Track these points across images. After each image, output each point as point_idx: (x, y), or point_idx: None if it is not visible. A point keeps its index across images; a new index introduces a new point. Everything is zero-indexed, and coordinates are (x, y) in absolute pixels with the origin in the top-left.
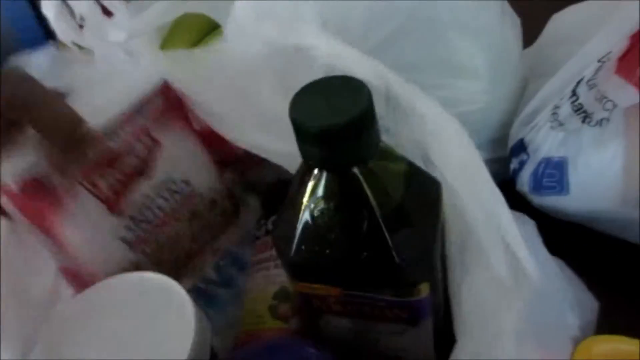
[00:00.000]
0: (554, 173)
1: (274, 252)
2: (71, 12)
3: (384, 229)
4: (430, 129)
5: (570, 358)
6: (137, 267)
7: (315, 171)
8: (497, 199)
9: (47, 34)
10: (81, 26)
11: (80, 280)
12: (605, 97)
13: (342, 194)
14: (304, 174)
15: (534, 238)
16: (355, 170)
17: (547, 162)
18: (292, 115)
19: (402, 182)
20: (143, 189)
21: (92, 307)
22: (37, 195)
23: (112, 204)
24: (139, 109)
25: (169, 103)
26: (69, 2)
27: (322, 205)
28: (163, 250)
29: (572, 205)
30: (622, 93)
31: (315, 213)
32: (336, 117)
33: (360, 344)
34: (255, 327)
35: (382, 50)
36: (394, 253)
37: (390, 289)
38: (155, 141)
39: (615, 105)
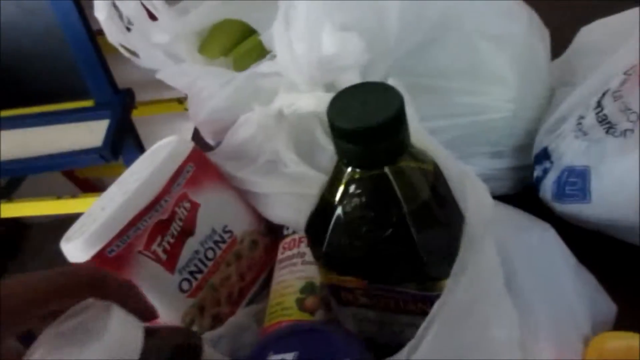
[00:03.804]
0: (577, 181)
1: (300, 249)
2: (120, 15)
3: (410, 225)
4: None
5: (583, 355)
6: (200, 309)
7: (349, 169)
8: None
9: (90, 35)
10: (128, 29)
11: None
12: (629, 109)
13: (372, 191)
14: (338, 172)
15: (553, 242)
16: (386, 169)
17: (570, 170)
18: (330, 115)
19: (430, 182)
20: (191, 246)
21: None
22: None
23: (168, 265)
24: (175, 179)
25: (199, 167)
26: (118, 5)
27: (353, 201)
28: (218, 292)
29: (593, 213)
30: None
31: (347, 208)
32: (371, 118)
33: (384, 335)
34: (281, 318)
35: (414, 57)
36: (419, 249)
37: (414, 283)
38: (193, 203)
39: (639, 117)
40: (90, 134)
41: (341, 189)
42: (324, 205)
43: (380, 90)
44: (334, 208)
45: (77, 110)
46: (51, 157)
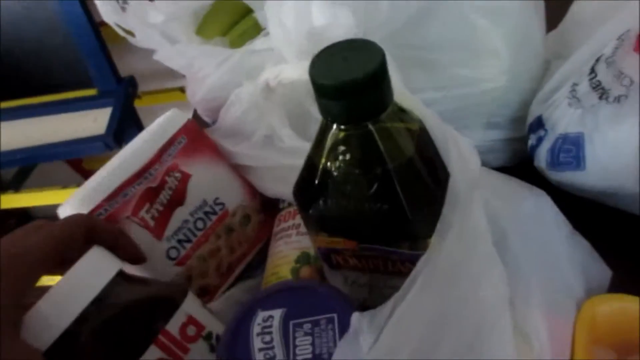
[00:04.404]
0: (571, 149)
1: (296, 221)
2: None
3: (395, 182)
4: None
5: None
6: (187, 278)
7: (333, 129)
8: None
9: (92, 24)
10: (123, 9)
11: None
12: (623, 74)
13: (357, 148)
14: (323, 132)
15: (547, 208)
16: (370, 125)
17: (564, 138)
18: (311, 73)
19: (415, 140)
20: (181, 215)
21: None
22: None
23: (156, 232)
24: (166, 149)
25: (192, 139)
26: None
27: (338, 160)
28: (206, 262)
29: (588, 180)
30: None
31: (333, 167)
32: (352, 73)
33: (374, 299)
34: None
35: (408, 30)
36: (404, 207)
37: (402, 243)
38: (184, 174)
39: (632, 82)
40: (93, 122)
41: (326, 148)
42: (311, 166)
43: (362, 47)
44: (321, 167)
45: (80, 99)
46: (55, 145)
